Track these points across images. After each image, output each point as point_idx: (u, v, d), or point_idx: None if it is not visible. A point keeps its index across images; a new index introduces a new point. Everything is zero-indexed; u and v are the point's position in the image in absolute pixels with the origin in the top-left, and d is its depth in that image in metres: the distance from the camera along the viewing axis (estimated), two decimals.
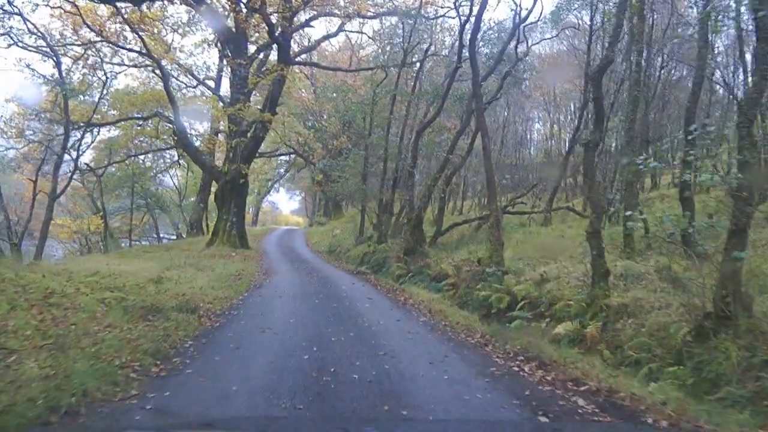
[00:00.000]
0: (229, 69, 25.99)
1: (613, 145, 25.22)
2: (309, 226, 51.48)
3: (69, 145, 26.03)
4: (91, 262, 18.03)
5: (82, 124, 24.43)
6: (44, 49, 20.73)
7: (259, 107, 25.53)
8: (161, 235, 37.59)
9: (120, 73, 25.82)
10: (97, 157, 30.82)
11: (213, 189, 28.97)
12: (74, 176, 27.95)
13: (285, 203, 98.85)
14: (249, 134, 24.88)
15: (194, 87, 31.57)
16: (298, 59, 28.55)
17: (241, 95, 24.46)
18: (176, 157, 31.44)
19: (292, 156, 48.77)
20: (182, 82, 31.21)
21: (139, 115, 25.58)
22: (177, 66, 28.26)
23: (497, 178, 35.65)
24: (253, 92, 27.19)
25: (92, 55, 22.63)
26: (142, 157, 33.29)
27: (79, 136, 25.21)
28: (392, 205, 25.79)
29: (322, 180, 41.44)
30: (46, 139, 23.46)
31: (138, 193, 32.57)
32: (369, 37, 33.70)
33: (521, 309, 11.99)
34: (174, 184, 37.89)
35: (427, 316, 10.90)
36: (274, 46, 25.19)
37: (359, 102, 29.02)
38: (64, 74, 21.97)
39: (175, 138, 25.57)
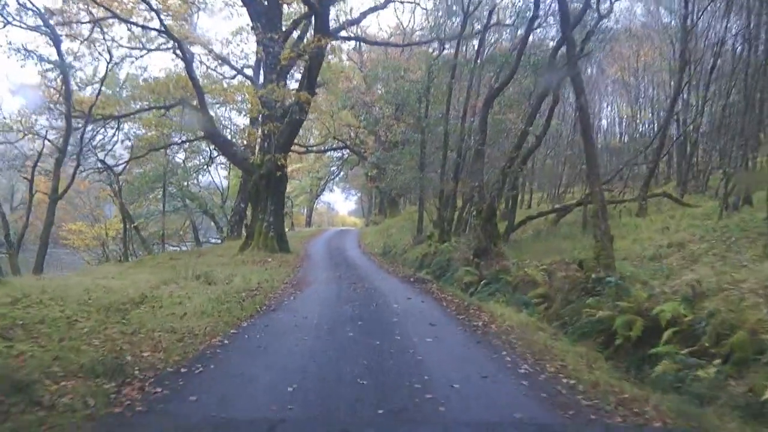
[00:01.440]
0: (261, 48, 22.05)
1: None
2: (365, 226, 47.37)
3: (87, 141, 22.85)
4: (88, 275, 14.43)
5: (99, 117, 21.07)
6: (44, 29, 17.34)
7: (295, 89, 21.47)
8: (205, 240, 34.22)
9: (139, 58, 22.35)
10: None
11: None
12: (95, 177, 24.94)
13: (341, 204, 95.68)
14: (285, 119, 20.83)
15: (232, 78, 28.00)
16: (340, 34, 24.28)
17: (274, 74, 20.47)
18: (211, 153, 27.77)
19: (345, 152, 45.02)
20: (220, 73, 27.78)
21: (161, 105, 21.99)
22: (207, 52, 24.67)
23: (573, 164, 30.72)
24: (290, 73, 23.21)
25: (100, 36, 19.12)
26: (174, 154, 29.91)
27: (91, 130, 21.90)
28: (455, 197, 21.26)
29: (375, 175, 37.49)
30: (59, 135, 20.22)
31: (172, 194, 29.24)
32: (423, 8, 29.24)
33: (668, 342, 7.43)
34: (216, 183, 34.53)
35: (528, 359, 6.42)
36: (312, 21, 21.12)
37: (413, 82, 24.67)
38: (70, 59, 18.65)
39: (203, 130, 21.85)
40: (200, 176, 32.31)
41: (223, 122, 28.81)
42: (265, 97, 20.32)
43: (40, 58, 17.17)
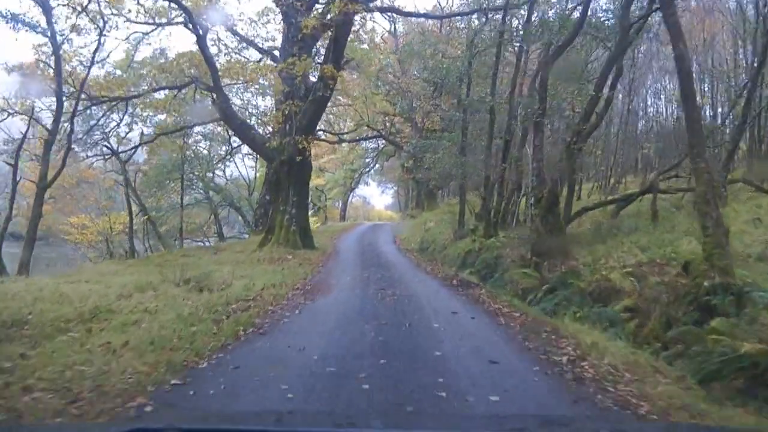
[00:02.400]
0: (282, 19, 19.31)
1: None
2: (402, 220, 44.39)
3: (93, 125, 20.47)
4: (65, 277, 11.94)
5: (105, 98, 18.62)
6: None
7: (319, 63, 18.63)
8: (234, 234, 31.75)
9: (149, 34, 19.76)
10: (151, 148, 24.95)
11: None
12: (105, 166, 22.57)
13: (377, 198, 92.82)
14: (309, 98, 18.04)
15: (258, 62, 25.29)
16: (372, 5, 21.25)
17: (296, 47, 17.70)
18: (230, 139, 24.96)
19: (380, 143, 42.13)
20: (245, 57, 25.09)
21: (171, 86, 19.39)
22: (226, 30, 22.03)
23: (628, 148, 27.09)
24: (316, 49, 20.41)
25: (100, 7, 16.53)
26: (197, 144, 27.40)
27: (96, 112, 19.45)
28: (502, 184, 18.14)
29: (411, 166, 34.52)
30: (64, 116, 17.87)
31: (194, 185, 26.78)
32: None
33: None
34: (242, 174, 31.98)
35: None
36: None
37: (453, 58, 21.59)
38: (68, 32, 16.18)
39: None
40: (226, 167, 29.90)
41: (249, 110, 26.21)
42: (285, 72, 17.56)
43: (27, 25, 14.75)
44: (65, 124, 16.48)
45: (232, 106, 21.44)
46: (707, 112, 28.39)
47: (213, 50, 19.67)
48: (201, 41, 18.15)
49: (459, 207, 21.20)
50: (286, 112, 17.91)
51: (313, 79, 18.97)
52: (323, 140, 34.23)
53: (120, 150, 21.68)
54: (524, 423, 3.01)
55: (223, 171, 30.35)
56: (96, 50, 16.73)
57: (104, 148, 21.42)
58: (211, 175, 30.40)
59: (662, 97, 29.51)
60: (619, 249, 11.50)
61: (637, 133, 26.23)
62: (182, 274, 10.48)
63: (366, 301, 9.33)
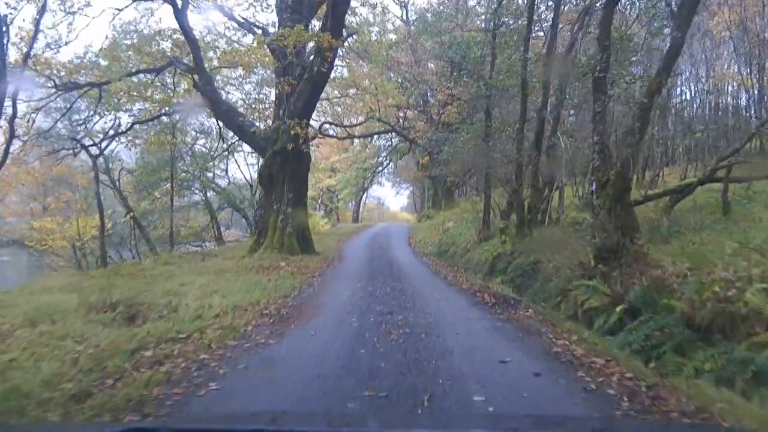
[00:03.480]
0: None
1: None
2: (418, 221, 40.96)
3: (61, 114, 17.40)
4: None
5: (70, 85, 15.61)
6: None
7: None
8: (233, 238, 28.59)
9: (122, 9, 16.58)
10: (150, 146, 21.56)
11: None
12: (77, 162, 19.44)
13: (392, 199, 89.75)
14: (304, 76, 14.86)
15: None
16: None
17: (287, 12, 14.56)
18: (221, 133, 21.57)
19: (393, 140, 38.88)
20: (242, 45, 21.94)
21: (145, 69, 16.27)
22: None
23: (676, 134, 23.41)
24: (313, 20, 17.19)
25: None
26: (194, 143, 24.21)
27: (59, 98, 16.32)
28: (536, 174, 14.76)
29: (427, 163, 31.26)
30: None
31: (189, 185, 23.67)
32: None
33: None
34: (243, 173, 28.83)
35: None
36: None
37: (474, 31, 18.28)
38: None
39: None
40: (227, 165, 26.72)
41: (251, 102, 22.99)
42: (275, 44, 14.37)
43: None
44: (8, 109, 13.38)
45: (233, 102, 18.41)
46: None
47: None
48: (179, 14, 15.05)
49: (483, 204, 17.80)
50: (279, 91, 14.68)
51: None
52: (331, 136, 31.07)
53: (90, 144, 18.53)
54: (519, 422, 2.80)
55: (226, 171, 27.21)
56: (41, 14, 13.53)
57: (72, 141, 18.23)
58: (211, 175, 27.39)
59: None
60: (715, 251, 8.11)
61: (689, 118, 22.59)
62: (108, 296, 7.28)
63: (361, 338, 5.98)
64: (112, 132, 18.41)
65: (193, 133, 22.62)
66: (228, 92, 22.73)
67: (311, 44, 15.86)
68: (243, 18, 19.72)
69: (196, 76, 15.95)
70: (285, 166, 15.51)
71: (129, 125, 18.48)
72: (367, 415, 3.56)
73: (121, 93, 15.73)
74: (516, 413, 3.84)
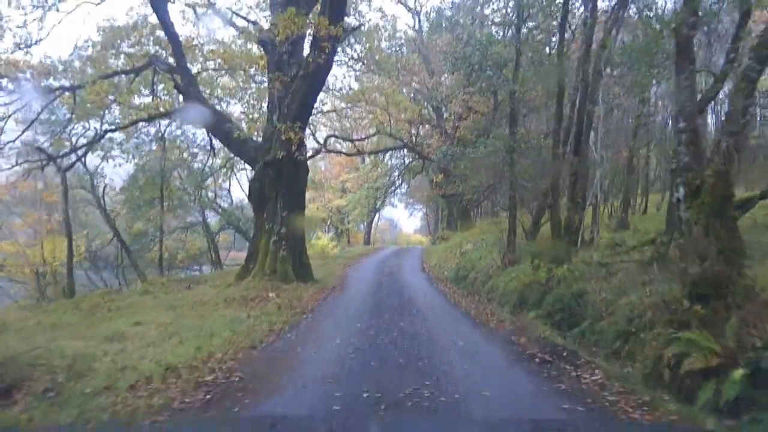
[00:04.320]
0: None
1: None
2: (432, 244, 38.26)
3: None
4: None
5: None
6: None
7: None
8: (235, 262, 26.23)
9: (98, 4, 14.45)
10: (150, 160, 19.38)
11: None
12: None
13: (405, 221, 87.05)
14: (300, 73, 12.57)
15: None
16: None
17: (281, 10, 12.34)
18: (212, 144, 19.14)
19: (405, 158, 36.55)
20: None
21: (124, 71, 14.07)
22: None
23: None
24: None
25: None
26: (194, 160, 21.91)
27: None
28: (574, 187, 12.21)
29: (441, 180, 28.84)
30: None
31: (184, 205, 21.34)
32: None
33: None
34: (245, 192, 26.52)
35: None
36: None
37: (497, 24, 15.94)
38: None
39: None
40: (229, 185, 24.47)
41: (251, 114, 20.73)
42: (266, 37, 12.11)
43: None
44: None
45: (232, 119, 16.11)
46: None
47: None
48: (157, 3, 12.89)
49: (508, 223, 15.24)
50: (271, 91, 12.37)
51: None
52: (338, 151, 28.79)
53: (58, 155, 16.09)
54: (518, 428, 2.77)
55: (228, 190, 24.91)
56: None
57: (38, 152, 15.89)
58: (212, 194, 25.16)
59: None
60: None
61: None
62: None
63: None
64: (84, 140, 16.09)
65: (184, 145, 20.34)
66: (228, 103, 20.66)
67: (308, 45, 13.64)
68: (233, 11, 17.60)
69: (178, 77, 13.71)
70: (278, 179, 13.14)
71: (101, 134, 16.10)
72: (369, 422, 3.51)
73: (93, 96, 13.47)
74: (518, 419, 3.88)
